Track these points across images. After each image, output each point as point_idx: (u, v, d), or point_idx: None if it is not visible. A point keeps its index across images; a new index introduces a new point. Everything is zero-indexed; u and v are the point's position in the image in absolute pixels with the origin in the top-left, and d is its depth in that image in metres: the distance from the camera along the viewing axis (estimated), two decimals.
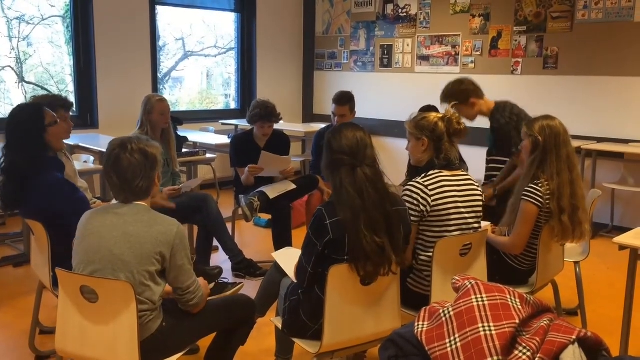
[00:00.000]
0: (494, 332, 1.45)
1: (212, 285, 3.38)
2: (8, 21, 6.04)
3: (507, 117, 3.73)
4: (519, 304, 1.52)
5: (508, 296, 1.53)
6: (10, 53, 6.11)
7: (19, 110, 3.10)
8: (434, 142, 2.76)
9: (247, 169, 4.31)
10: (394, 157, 6.38)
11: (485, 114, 3.85)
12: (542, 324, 1.48)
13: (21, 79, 6.25)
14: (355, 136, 2.39)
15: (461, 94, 3.81)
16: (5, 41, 6.06)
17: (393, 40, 7.23)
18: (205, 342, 2.63)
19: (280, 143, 4.54)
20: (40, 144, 3.02)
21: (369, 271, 2.30)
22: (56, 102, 3.57)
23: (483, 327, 1.47)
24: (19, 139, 2.98)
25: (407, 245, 2.57)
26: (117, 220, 2.22)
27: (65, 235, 2.79)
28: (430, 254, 2.65)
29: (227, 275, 4.08)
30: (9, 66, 6.14)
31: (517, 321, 1.47)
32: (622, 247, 2.69)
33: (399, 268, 2.45)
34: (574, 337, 1.46)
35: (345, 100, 4.59)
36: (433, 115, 2.80)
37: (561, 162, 2.93)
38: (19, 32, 6.13)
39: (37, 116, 3.05)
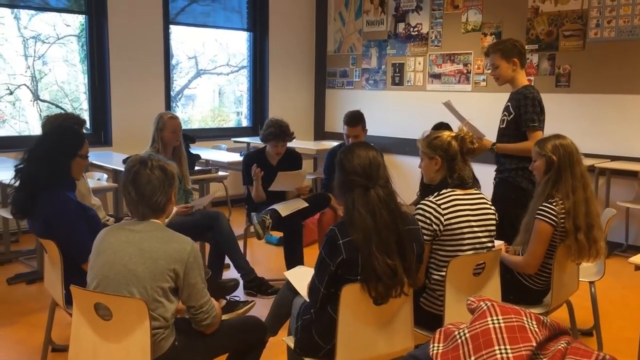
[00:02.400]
0: (510, 355, 1.43)
1: (223, 303, 3.38)
2: (24, 40, 6.13)
3: (535, 93, 3.71)
4: (535, 326, 1.50)
5: (524, 318, 1.51)
6: (26, 71, 6.19)
7: (61, 129, 3.10)
8: (447, 162, 2.75)
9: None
10: (405, 175, 6.38)
11: (514, 84, 3.79)
12: (560, 347, 1.46)
13: (36, 97, 6.32)
14: (368, 155, 2.38)
15: (510, 48, 3.73)
16: (21, 60, 6.15)
17: (404, 58, 7.26)
18: None
19: (292, 161, 4.55)
20: (66, 168, 2.99)
21: (380, 292, 2.28)
22: (69, 120, 3.60)
23: (500, 349, 1.45)
24: (49, 153, 2.96)
25: (420, 265, 2.55)
26: (132, 236, 2.23)
27: (76, 253, 2.80)
28: (443, 273, 2.63)
29: (239, 293, 4.08)
30: (25, 84, 6.21)
31: (534, 344, 1.45)
32: (637, 267, 2.66)
33: (411, 289, 2.43)
34: None
35: (356, 120, 4.55)
36: (446, 134, 2.79)
37: (576, 180, 2.92)
38: (34, 50, 6.21)
39: (77, 141, 3.04)
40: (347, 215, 2.34)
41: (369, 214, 2.28)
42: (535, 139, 3.58)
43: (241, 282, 4.20)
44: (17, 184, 3.01)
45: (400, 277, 2.30)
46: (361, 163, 2.36)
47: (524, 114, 3.67)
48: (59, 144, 2.99)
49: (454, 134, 2.79)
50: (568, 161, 2.95)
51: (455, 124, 3.94)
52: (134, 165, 2.27)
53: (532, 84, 6.07)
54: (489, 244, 2.78)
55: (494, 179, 3.93)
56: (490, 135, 3.91)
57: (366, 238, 2.26)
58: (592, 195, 2.97)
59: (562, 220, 2.88)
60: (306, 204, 4.37)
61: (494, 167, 3.97)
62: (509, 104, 3.81)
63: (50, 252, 2.90)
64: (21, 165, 3.01)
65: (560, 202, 2.90)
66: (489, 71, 6.42)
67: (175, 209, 3.92)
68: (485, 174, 3.99)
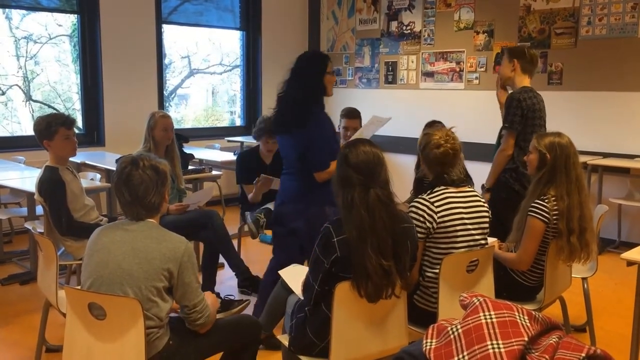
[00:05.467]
0: (502, 350, 1.44)
1: (217, 303, 3.37)
2: (16, 40, 6.11)
3: (522, 94, 3.72)
4: (527, 321, 1.51)
5: (516, 313, 1.52)
6: (18, 72, 6.17)
7: (303, 57, 3.46)
8: (425, 161, 2.77)
9: (255, 186, 4.31)
10: (399, 173, 6.39)
11: (513, 87, 3.86)
12: (551, 341, 1.47)
13: (28, 98, 6.30)
14: (372, 153, 2.37)
15: (517, 51, 3.87)
16: (13, 60, 6.12)
17: (397, 57, 7.27)
18: None
19: None
20: (320, 89, 3.36)
21: (370, 292, 2.28)
22: (57, 120, 3.58)
23: (492, 344, 1.46)
24: (302, 80, 3.33)
25: (414, 263, 2.56)
26: (126, 236, 2.23)
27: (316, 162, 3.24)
28: (437, 271, 2.64)
29: (233, 292, 4.08)
30: (17, 85, 6.19)
31: (526, 339, 1.46)
32: (630, 263, 2.68)
33: (403, 291, 2.42)
34: (583, 354, 1.45)
35: (355, 114, 4.59)
36: (437, 136, 2.77)
37: (571, 183, 2.91)
38: (26, 51, 6.19)
39: (320, 61, 3.39)
40: (345, 211, 2.32)
41: (368, 213, 2.27)
42: (506, 141, 3.66)
43: (235, 280, 4.20)
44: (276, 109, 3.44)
45: (393, 279, 2.30)
46: (365, 160, 2.34)
47: (505, 115, 3.72)
48: (308, 70, 3.36)
49: (442, 141, 2.74)
50: (564, 163, 2.92)
51: (448, 119, 3.96)
52: (125, 167, 2.25)
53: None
54: (482, 241, 2.79)
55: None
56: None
57: (361, 236, 2.26)
58: (586, 199, 2.96)
59: (554, 218, 2.89)
60: None
61: (486, 165, 3.98)
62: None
63: (45, 251, 2.89)
64: (283, 93, 3.41)
65: (553, 199, 2.91)
66: (482, 69, 6.46)
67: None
68: (479, 171, 4.00)
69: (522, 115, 3.67)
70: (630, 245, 4.10)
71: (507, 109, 3.70)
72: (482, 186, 3.85)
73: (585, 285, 3.47)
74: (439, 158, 2.74)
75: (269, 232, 5.04)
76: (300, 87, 3.34)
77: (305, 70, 3.37)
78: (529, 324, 1.50)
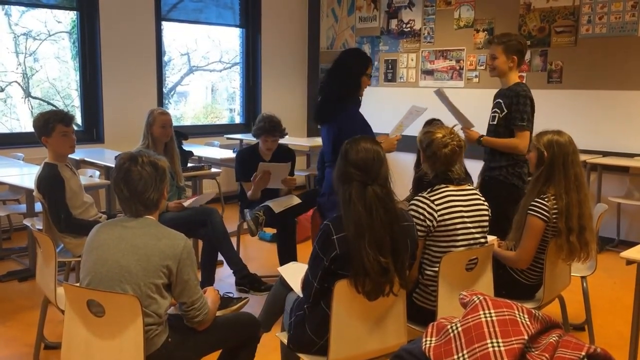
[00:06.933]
0: (502, 348, 1.44)
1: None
2: (15, 37, 6.10)
3: (528, 91, 3.74)
4: (527, 319, 1.51)
5: (516, 312, 1.52)
6: (17, 68, 6.16)
7: (348, 53, 3.72)
8: (430, 160, 2.77)
9: (253, 182, 4.31)
10: (398, 171, 6.37)
11: (505, 80, 3.82)
12: (551, 340, 1.47)
13: (27, 94, 6.29)
14: (372, 151, 2.36)
15: (514, 45, 3.78)
16: (12, 57, 6.11)
17: (397, 54, 7.26)
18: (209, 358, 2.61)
19: (285, 158, 4.54)
20: (356, 87, 3.57)
21: (368, 289, 2.27)
22: (55, 116, 3.57)
23: (492, 343, 1.46)
24: (340, 74, 3.56)
25: (414, 261, 2.55)
26: (125, 233, 2.22)
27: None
28: (436, 269, 2.63)
29: (232, 290, 4.07)
30: (16, 81, 6.18)
31: (526, 337, 1.45)
32: (629, 262, 2.68)
33: (402, 290, 2.41)
34: (583, 353, 1.44)
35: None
36: (441, 134, 2.77)
37: (569, 182, 2.90)
38: (25, 47, 6.18)
39: (362, 62, 3.62)
40: (343, 208, 2.32)
41: (365, 210, 2.27)
42: (522, 138, 3.64)
43: (233, 278, 4.20)
44: (319, 98, 3.71)
45: (391, 276, 2.29)
46: (364, 157, 2.34)
47: (515, 112, 3.68)
48: (348, 66, 3.57)
49: (446, 140, 2.74)
50: (562, 162, 2.91)
51: (446, 116, 3.96)
52: (124, 163, 2.25)
53: (524, 80, 6.12)
54: (482, 240, 2.79)
55: (484, 176, 3.91)
56: (483, 131, 3.92)
57: (358, 232, 2.25)
58: (585, 198, 2.94)
59: (554, 216, 2.88)
60: (299, 201, 4.37)
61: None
62: (501, 100, 3.81)
63: (44, 247, 2.88)
64: (323, 83, 3.71)
65: (552, 197, 2.90)
66: (482, 67, 6.46)
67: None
68: (478, 170, 4.00)
69: (532, 113, 3.69)
70: (629, 244, 4.10)
71: (518, 106, 3.67)
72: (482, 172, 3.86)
73: (585, 284, 3.47)
74: (448, 156, 2.72)
75: (268, 230, 5.05)
76: (338, 81, 3.56)
77: (347, 66, 3.57)
78: (528, 323, 1.50)
